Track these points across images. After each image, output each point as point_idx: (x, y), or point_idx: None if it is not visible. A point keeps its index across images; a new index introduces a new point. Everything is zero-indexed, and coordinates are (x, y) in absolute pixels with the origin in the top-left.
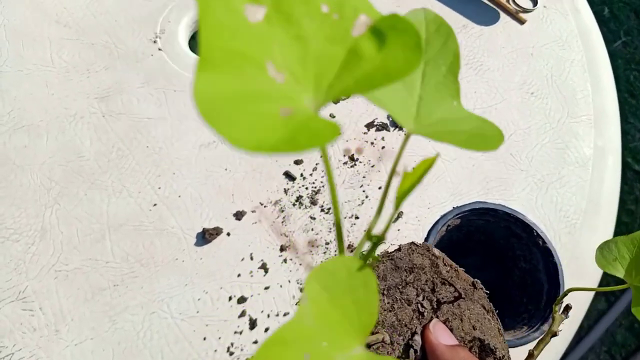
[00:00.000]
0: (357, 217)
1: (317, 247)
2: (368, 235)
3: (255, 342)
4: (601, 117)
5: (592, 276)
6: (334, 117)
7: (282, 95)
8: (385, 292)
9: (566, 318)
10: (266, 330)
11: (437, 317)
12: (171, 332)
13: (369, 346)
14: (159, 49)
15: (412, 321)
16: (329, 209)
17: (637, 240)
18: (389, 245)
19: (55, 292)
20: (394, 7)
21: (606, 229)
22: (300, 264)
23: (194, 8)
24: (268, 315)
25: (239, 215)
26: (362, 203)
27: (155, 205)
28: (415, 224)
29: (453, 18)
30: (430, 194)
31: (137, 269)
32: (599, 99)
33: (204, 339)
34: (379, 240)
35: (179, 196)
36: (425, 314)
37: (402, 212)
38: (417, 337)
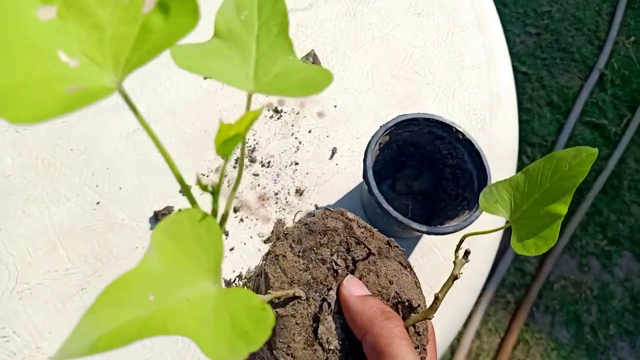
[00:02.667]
0: (296, 163)
1: (268, 199)
2: (201, 187)
3: None
4: (483, 21)
5: (507, 163)
6: None
7: (73, 77)
8: (300, 254)
9: (466, 262)
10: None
11: (354, 274)
12: None
13: (284, 302)
14: None
15: (327, 279)
16: (268, 162)
17: (514, 182)
18: (330, 178)
19: (23, 312)
20: None
21: (511, 117)
22: (257, 219)
23: None
24: (240, 274)
25: None
26: (297, 149)
27: (98, 203)
28: (349, 155)
29: None
30: (356, 125)
31: (99, 267)
32: (478, 5)
33: None
34: (214, 190)
35: (120, 188)
36: (340, 271)
37: (335, 147)
38: (332, 292)
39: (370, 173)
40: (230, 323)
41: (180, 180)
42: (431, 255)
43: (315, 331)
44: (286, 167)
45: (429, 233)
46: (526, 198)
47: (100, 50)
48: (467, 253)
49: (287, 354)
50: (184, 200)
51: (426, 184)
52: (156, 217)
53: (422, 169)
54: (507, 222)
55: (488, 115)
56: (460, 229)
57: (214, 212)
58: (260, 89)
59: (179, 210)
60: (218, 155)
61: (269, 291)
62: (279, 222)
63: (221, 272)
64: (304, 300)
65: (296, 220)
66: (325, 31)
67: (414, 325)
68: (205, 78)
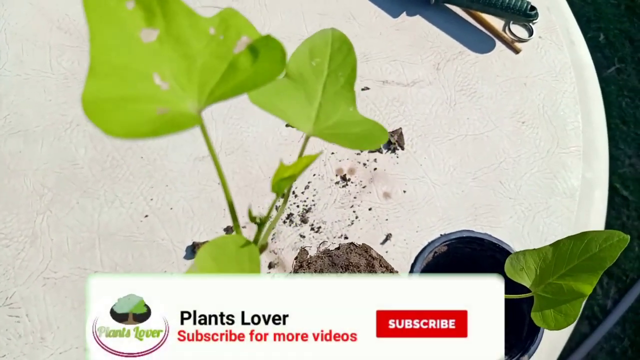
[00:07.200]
0: (346, 237)
1: None
2: (250, 217)
3: None
4: (590, 149)
5: None
6: None
7: (163, 99)
8: None
9: None
10: None
11: None
12: None
13: None
14: None
15: None
16: (319, 227)
17: (543, 253)
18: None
19: (42, 299)
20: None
21: None
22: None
23: None
24: None
25: (229, 230)
26: (352, 223)
27: (146, 216)
28: (402, 247)
29: (450, 44)
30: (419, 217)
31: None
32: (589, 132)
33: None
34: (261, 221)
35: (171, 208)
36: None
37: (390, 234)
38: None
39: None
40: None
41: (231, 205)
42: None
43: None
44: (335, 237)
45: None
46: (552, 271)
47: (189, 79)
48: None
49: None
50: None
51: None
52: (193, 248)
53: None
54: (530, 291)
55: None
56: None
57: (255, 243)
58: (318, 133)
59: (226, 235)
60: (272, 192)
61: None
62: (303, 250)
63: None
64: None
65: (321, 249)
66: (419, 113)
67: None
68: (287, 126)
